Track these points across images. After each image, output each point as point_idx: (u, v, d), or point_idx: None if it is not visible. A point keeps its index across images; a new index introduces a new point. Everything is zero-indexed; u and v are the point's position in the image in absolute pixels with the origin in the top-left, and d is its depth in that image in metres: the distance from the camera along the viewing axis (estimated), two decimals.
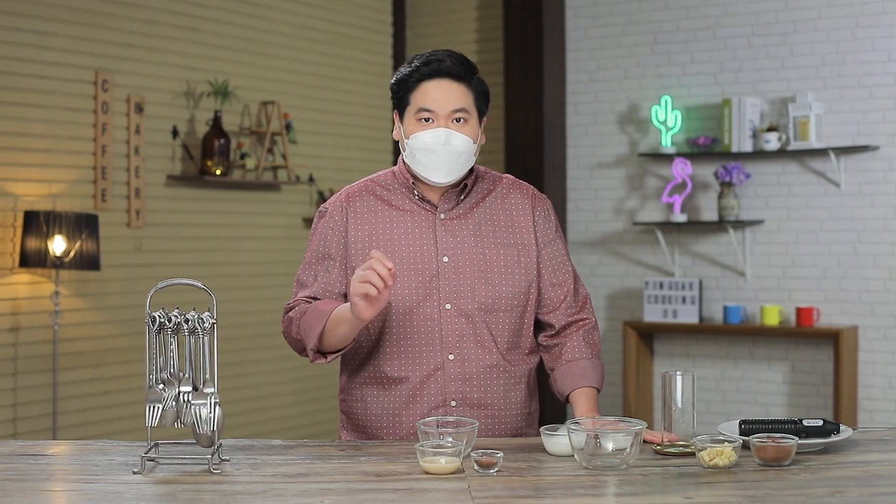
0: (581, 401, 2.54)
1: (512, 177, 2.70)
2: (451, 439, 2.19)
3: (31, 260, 4.80)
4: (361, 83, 6.72)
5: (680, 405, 2.28)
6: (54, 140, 5.07)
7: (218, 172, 5.62)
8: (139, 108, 5.40)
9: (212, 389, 2.14)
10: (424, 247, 2.55)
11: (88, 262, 4.89)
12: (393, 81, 2.57)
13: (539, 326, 2.65)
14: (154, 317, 2.14)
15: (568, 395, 2.58)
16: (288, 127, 6.09)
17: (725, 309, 6.03)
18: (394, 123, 2.63)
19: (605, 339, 6.40)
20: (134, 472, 2.11)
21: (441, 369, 2.52)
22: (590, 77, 6.58)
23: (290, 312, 2.57)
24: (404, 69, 2.54)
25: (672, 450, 2.25)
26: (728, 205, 6.00)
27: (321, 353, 2.50)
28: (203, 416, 2.13)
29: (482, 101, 2.56)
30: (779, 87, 6.03)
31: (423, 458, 2.10)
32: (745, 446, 2.20)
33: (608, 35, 6.52)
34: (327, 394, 6.30)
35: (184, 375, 2.16)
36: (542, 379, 2.70)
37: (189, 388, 2.15)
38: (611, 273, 6.53)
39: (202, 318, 2.15)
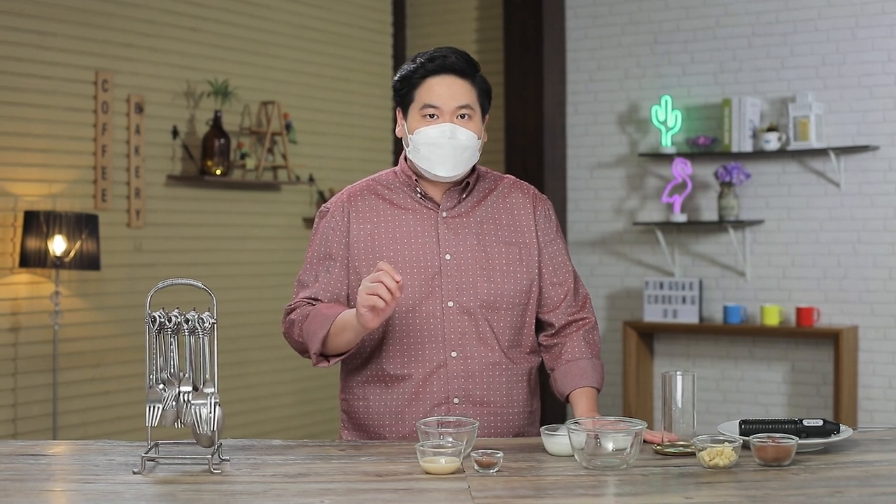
0: (581, 401, 2.54)
1: (513, 177, 2.71)
2: (451, 439, 2.19)
3: (32, 260, 4.80)
4: (361, 83, 6.72)
5: (680, 405, 2.28)
6: (54, 140, 5.07)
7: (218, 172, 5.62)
8: (139, 108, 5.40)
9: (212, 389, 2.14)
10: (427, 245, 2.55)
11: (88, 262, 4.89)
12: (396, 78, 2.57)
13: (539, 326, 2.66)
14: (154, 317, 2.14)
15: (568, 395, 2.58)
16: (288, 127, 6.09)
17: (725, 309, 6.03)
18: (396, 120, 2.63)
19: (605, 339, 6.40)
20: (134, 472, 2.11)
21: (444, 367, 2.52)
22: (590, 77, 6.58)
23: (292, 314, 2.57)
24: (408, 66, 2.55)
25: (672, 450, 2.25)
26: (728, 205, 6.00)
27: (324, 356, 2.51)
28: (203, 416, 2.13)
29: (485, 99, 2.57)
30: (779, 87, 6.03)
31: (424, 458, 2.10)
32: (745, 446, 2.20)
33: (608, 35, 6.52)
34: (327, 394, 6.31)
35: (184, 375, 2.16)
36: (542, 379, 2.70)
37: (189, 388, 2.15)
38: (611, 273, 6.53)
39: (202, 318, 2.15)
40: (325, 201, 6.21)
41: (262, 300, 6.01)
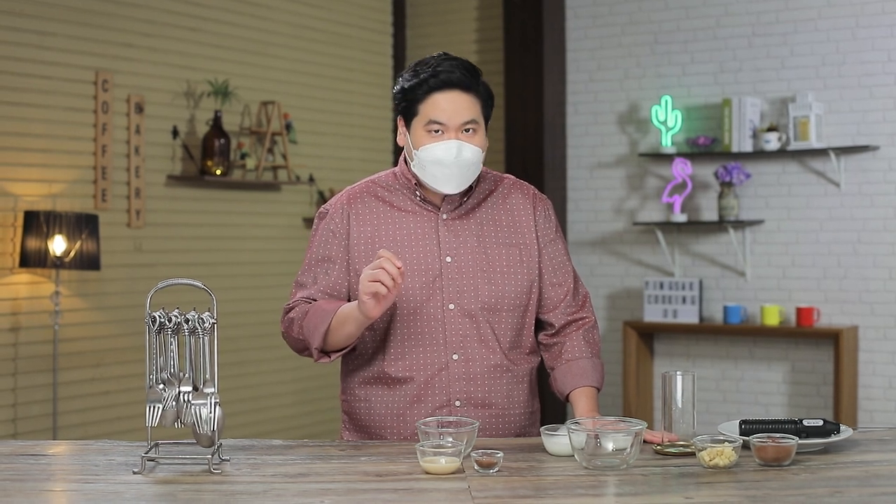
0: (581, 400, 2.55)
1: (513, 177, 2.70)
2: (451, 439, 2.19)
3: (32, 260, 4.80)
4: (361, 83, 6.72)
5: (680, 405, 2.28)
6: (54, 140, 5.07)
7: (218, 172, 5.62)
8: (139, 108, 5.40)
9: (212, 389, 2.14)
10: (427, 247, 2.55)
11: (88, 262, 4.89)
12: (398, 89, 2.55)
13: (539, 325, 2.66)
14: (154, 317, 2.14)
15: (568, 395, 2.58)
16: (288, 127, 6.09)
17: (725, 309, 6.03)
18: (396, 128, 2.62)
19: (605, 339, 6.40)
20: (134, 472, 2.11)
21: (445, 369, 2.52)
22: (590, 77, 6.58)
23: (290, 313, 2.58)
24: (411, 78, 2.52)
25: (672, 450, 2.25)
26: (728, 205, 6.00)
27: (324, 351, 2.51)
28: (203, 416, 2.13)
29: (488, 108, 2.57)
30: (779, 87, 6.03)
31: (424, 458, 2.10)
32: (746, 446, 2.20)
33: (608, 35, 6.52)
34: (327, 394, 6.31)
35: (184, 375, 2.16)
36: (542, 379, 2.70)
37: (189, 388, 2.15)
38: (611, 273, 6.53)
39: (202, 318, 2.15)
40: (325, 201, 6.22)
41: (262, 300, 6.01)
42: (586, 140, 6.60)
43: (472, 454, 2.12)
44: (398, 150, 6.65)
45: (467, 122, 2.50)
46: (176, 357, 2.16)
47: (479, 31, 6.96)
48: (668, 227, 6.28)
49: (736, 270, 6.17)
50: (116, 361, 5.31)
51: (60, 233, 4.80)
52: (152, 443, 2.19)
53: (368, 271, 2.30)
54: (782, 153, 5.93)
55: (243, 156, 5.86)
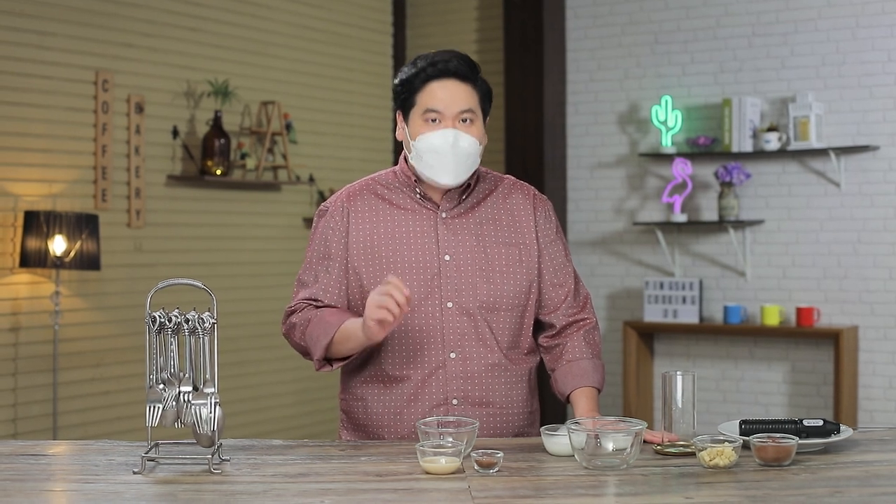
0: (581, 401, 2.54)
1: (513, 178, 2.70)
2: (451, 439, 2.19)
3: (32, 260, 4.80)
4: (361, 83, 6.72)
5: (680, 405, 2.28)
6: (54, 140, 5.07)
7: (218, 172, 5.62)
8: (139, 108, 5.40)
9: (212, 389, 2.14)
10: (426, 245, 2.55)
11: (88, 262, 4.89)
12: (397, 81, 2.56)
13: (540, 327, 2.65)
14: (154, 317, 2.14)
15: (568, 395, 2.58)
16: (288, 127, 6.09)
17: (726, 309, 6.03)
18: (396, 123, 2.62)
19: (606, 339, 6.40)
20: (134, 472, 2.11)
21: (443, 368, 2.52)
22: (590, 77, 6.58)
23: (293, 317, 2.57)
24: (409, 69, 2.54)
25: (672, 450, 2.25)
26: (728, 205, 6.00)
27: (327, 360, 2.52)
28: (203, 416, 2.13)
29: (486, 102, 2.57)
30: (779, 87, 6.03)
31: (424, 458, 2.10)
32: (746, 446, 2.19)
33: (608, 35, 6.52)
34: (327, 394, 6.31)
35: (184, 375, 2.16)
36: (542, 379, 2.70)
37: (189, 388, 2.15)
38: (611, 273, 6.53)
39: (202, 318, 2.15)
40: (325, 201, 6.22)
41: (262, 300, 6.01)
42: (586, 140, 6.60)
43: (472, 454, 2.12)
44: (398, 150, 6.65)
45: (464, 111, 2.50)
46: (176, 357, 2.16)
47: (479, 31, 6.96)
48: (668, 227, 6.28)
49: (736, 270, 6.17)
50: (116, 361, 5.31)
51: (60, 233, 4.80)
52: (152, 443, 2.19)
53: (376, 297, 2.30)
54: (782, 153, 5.93)
55: (243, 156, 5.86)
